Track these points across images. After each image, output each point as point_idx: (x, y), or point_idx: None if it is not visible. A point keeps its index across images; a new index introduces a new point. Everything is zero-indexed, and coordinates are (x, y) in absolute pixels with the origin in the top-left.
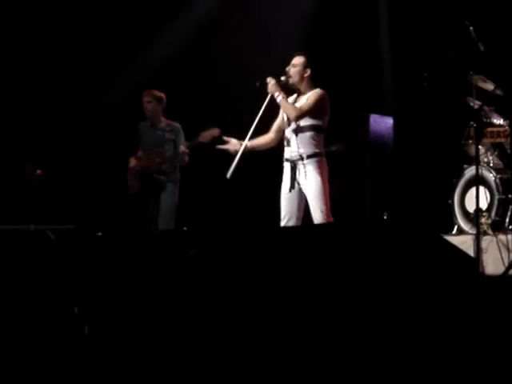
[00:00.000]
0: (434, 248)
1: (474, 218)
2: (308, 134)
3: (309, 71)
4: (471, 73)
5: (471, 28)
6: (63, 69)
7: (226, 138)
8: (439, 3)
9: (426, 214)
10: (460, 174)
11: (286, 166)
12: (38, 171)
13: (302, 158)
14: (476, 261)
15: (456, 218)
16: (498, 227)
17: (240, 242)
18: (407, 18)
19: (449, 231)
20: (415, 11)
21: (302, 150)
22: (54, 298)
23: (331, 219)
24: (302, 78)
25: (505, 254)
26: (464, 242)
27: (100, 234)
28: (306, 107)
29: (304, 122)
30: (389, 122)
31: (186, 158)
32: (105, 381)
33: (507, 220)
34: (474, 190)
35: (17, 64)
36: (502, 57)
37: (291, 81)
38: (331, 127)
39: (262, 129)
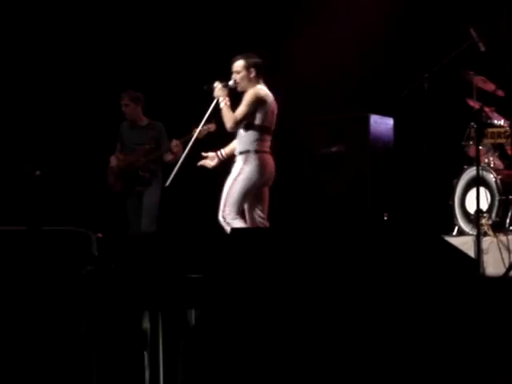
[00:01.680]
0: (435, 249)
1: (474, 218)
2: (241, 131)
3: (253, 71)
4: (472, 73)
5: (471, 28)
6: (63, 69)
7: (204, 154)
8: (440, 3)
9: (426, 214)
10: (460, 175)
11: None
12: (37, 172)
13: (235, 155)
14: (476, 262)
15: (456, 219)
16: (498, 228)
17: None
18: (407, 17)
19: (449, 232)
20: (415, 11)
21: (237, 148)
22: (53, 301)
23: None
24: (249, 81)
25: (505, 254)
26: (464, 243)
27: (99, 235)
28: (239, 116)
29: None
30: (389, 122)
31: (171, 157)
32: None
33: (508, 221)
34: (474, 190)
35: (17, 66)
36: (503, 57)
37: (239, 87)
38: (331, 127)
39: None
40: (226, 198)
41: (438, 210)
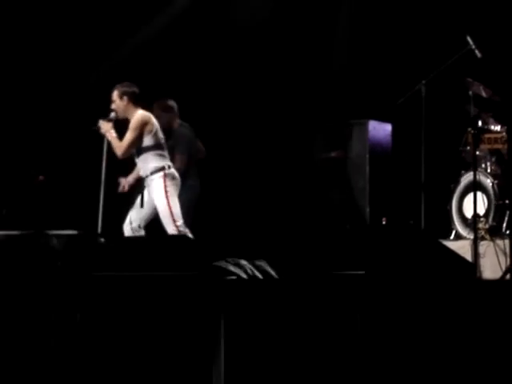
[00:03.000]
0: (432, 253)
1: (471, 223)
2: (139, 156)
3: (125, 98)
4: (469, 79)
5: (468, 35)
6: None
7: (119, 180)
8: (437, 10)
9: (424, 219)
10: (458, 180)
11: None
12: (41, 177)
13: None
14: (473, 266)
15: (454, 224)
16: (495, 232)
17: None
18: (406, 24)
19: (447, 236)
20: (413, 18)
21: (144, 171)
22: (54, 304)
23: None
24: (124, 109)
25: (502, 259)
26: (462, 247)
27: (103, 239)
28: (125, 143)
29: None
30: (387, 128)
31: None
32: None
33: (504, 225)
34: (471, 195)
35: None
36: (500, 63)
37: (119, 115)
38: (330, 133)
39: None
40: (172, 213)
41: (435, 214)
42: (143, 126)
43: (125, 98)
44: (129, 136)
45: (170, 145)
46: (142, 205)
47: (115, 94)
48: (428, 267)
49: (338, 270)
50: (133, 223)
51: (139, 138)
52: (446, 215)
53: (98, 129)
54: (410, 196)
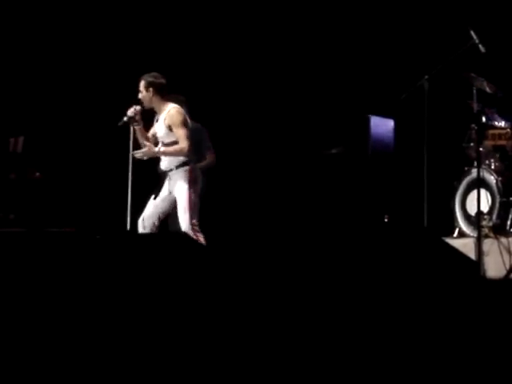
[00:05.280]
0: (435, 251)
1: (475, 220)
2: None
3: (151, 90)
4: (472, 75)
5: (472, 30)
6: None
7: (145, 142)
8: (440, 5)
9: (426, 216)
10: (461, 177)
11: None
12: (37, 174)
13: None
14: (477, 264)
15: (457, 221)
16: (499, 230)
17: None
18: (408, 19)
19: (450, 234)
20: (416, 13)
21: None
22: (53, 301)
23: None
24: (150, 100)
25: (506, 257)
26: (465, 245)
27: (99, 236)
28: (184, 141)
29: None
30: (390, 124)
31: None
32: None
33: (508, 223)
34: (475, 192)
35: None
36: (503, 58)
37: (145, 105)
38: (331, 129)
39: None
40: (190, 209)
41: (438, 211)
42: (185, 118)
43: (151, 89)
44: (181, 132)
45: None
46: (155, 197)
47: (142, 85)
48: (431, 265)
49: (341, 267)
50: (146, 220)
51: (189, 129)
52: (449, 213)
53: (132, 120)
54: (412, 193)
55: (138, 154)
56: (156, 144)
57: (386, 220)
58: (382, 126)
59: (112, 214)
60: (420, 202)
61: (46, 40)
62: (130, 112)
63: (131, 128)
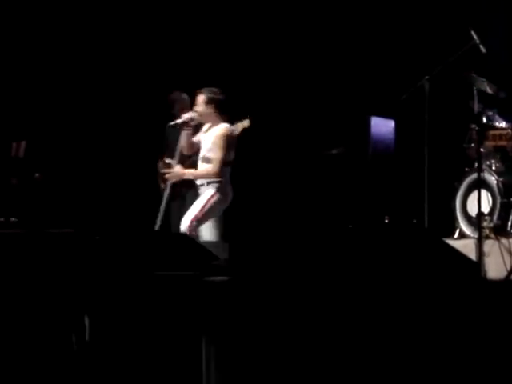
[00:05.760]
0: (436, 252)
1: (475, 221)
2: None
3: (211, 107)
4: (473, 75)
5: (472, 30)
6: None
7: (168, 161)
8: (440, 5)
9: (427, 217)
10: (462, 178)
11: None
12: (37, 174)
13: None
14: (478, 265)
15: (458, 222)
16: (500, 231)
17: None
18: (409, 20)
19: (450, 235)
20: (417, 13)
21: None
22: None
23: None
24: (208, 115)
25: (507, 258)
26: (466, 246)
27: (98, 237)
28: (218, 163)
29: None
30: (390, 124)
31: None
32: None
33: (509, 224)
34: (475, 193)
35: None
36: (504, 59)
37: (200, 120)
38: (331, 130)
39: None
40: (198, 213)
41: (439, 212)
42: (230, 142)
43: (211, 105)
44: (219, 155)
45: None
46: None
47: (201, 99)
48: (431, 266)
49: (341, 268)
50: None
51: (229, 152)
52: (449, 213)
53: (184, 125)
54: (412, 193)
55: (168, 174)
56: (198, 151)
57: (386, 221)
58: (383, 126)
59: (112, 214)
60: (420, 203)
61: (47, 44)
62: (187, 116)
63: (180, 131)
